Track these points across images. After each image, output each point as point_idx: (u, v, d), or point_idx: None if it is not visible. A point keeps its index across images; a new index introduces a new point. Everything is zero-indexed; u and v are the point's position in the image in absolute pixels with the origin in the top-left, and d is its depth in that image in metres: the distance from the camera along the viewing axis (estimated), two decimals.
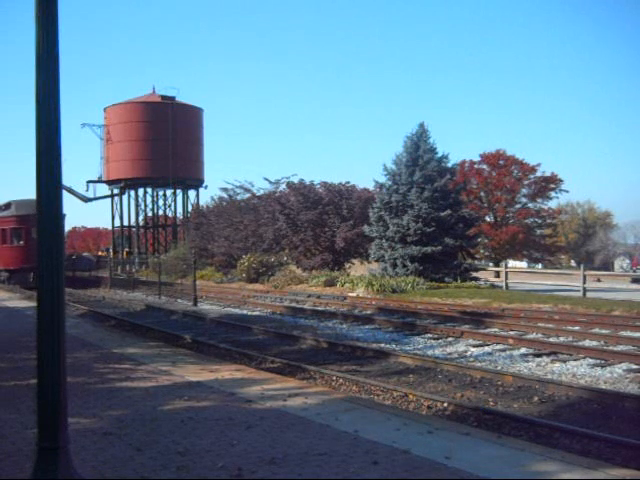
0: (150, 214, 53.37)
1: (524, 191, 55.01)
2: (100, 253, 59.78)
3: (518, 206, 54.97)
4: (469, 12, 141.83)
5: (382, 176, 32.12)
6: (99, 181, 52.09)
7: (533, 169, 53.88)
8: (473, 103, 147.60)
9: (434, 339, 13.72)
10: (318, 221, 34.73)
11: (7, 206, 33.71)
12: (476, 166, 54.13)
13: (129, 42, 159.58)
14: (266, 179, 43.81)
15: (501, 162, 54.05)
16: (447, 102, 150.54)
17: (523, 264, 62.35)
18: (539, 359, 11.31)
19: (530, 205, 55.28)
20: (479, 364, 10.89)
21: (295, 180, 37.43)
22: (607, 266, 69.97)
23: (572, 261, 74.99)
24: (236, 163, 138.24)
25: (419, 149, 30.80)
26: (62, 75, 3.45)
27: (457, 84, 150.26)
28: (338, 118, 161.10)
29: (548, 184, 54.48)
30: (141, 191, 52.33)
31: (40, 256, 3.46)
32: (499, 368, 10.54)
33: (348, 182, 37.33)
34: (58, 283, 3.45)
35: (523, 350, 12.08)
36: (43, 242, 3.44)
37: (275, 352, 11.84)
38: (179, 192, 52.66)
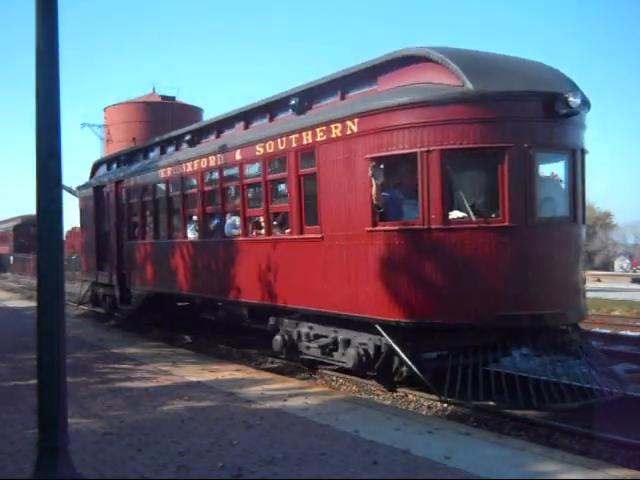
0: None
1: None
2: None
3: None
4: (469, 12, 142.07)
5: None
6: None
7: None
8: None
9: None
10: None
11: (179, 140, 13.13)
12: None
13: (129, 42, 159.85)
14: None
15: None
16: None
17: None
18: (539, 359, 11.25)
19: None
20: None
21: None
22: (607, 266, 69.76)
23: None
24: None
25: None
26: (62, 75, 3.47)
27: None
28: None
29: None
30: None
31: (40, 256, 3.46)
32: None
33: None
34: (58, 283, 3.45)
35: (523, 350, 12.03)
36: (43, 242, 3.44)
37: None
38: None
